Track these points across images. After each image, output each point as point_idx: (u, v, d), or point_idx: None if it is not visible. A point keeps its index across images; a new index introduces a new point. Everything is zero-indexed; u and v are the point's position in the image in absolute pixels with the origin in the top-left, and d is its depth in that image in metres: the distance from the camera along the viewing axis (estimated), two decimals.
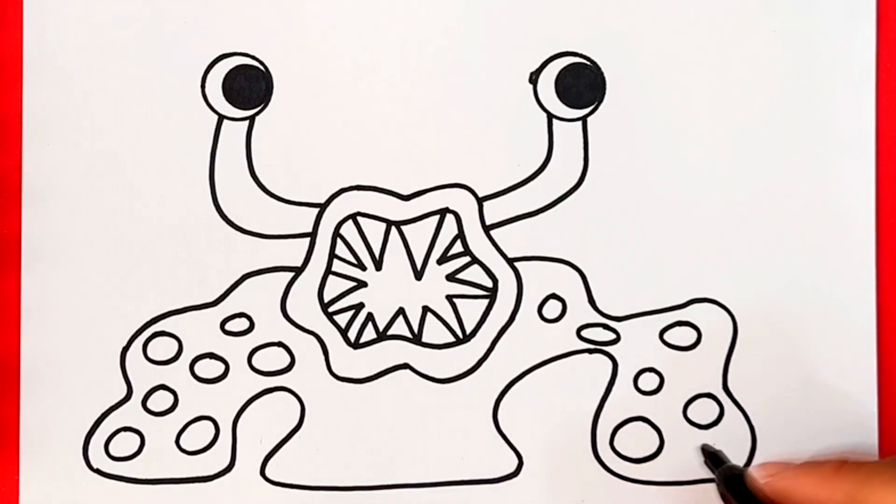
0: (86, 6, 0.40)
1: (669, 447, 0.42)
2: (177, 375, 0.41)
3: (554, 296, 0.42)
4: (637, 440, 0.42)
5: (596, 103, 0.42)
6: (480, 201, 0.41)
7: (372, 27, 0.41)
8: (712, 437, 0.42)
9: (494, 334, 0.42)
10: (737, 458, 0.42)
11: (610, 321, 0.42)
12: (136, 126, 0.40)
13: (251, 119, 0.41)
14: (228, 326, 0.41)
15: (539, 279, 0.42)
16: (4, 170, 0.40)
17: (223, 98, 0.41)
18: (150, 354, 0.41)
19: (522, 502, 0.42)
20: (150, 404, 0.41)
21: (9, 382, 0.40)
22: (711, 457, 0.41)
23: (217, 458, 0.41)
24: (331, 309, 0.41)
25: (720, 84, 0.42)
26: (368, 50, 0.41)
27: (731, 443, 0.42)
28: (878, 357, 0.43)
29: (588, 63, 0.42)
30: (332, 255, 0.41)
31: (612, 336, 0.42)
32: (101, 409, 0.41)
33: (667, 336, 0.42)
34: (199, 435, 0.41)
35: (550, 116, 0.41)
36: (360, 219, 0.41)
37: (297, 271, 0.41)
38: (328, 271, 0.41)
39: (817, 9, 0.42)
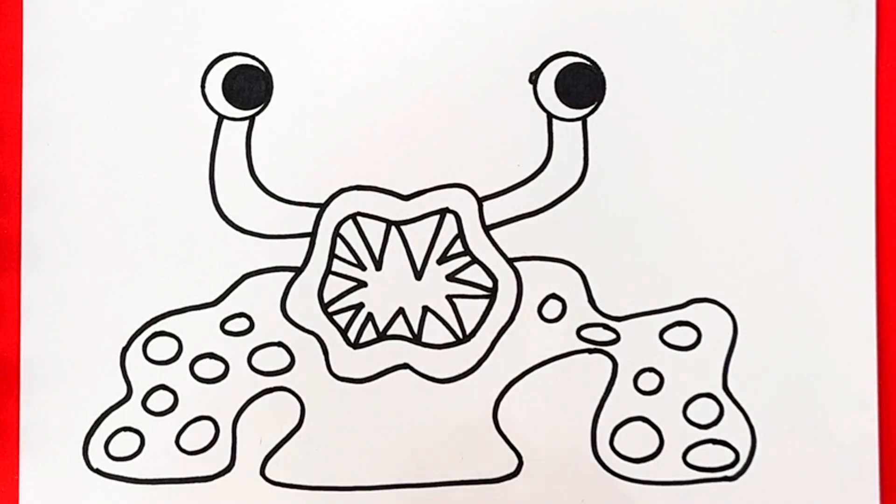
0: (86, 6, 0.40)
1: (669, 447, 0.42)
2: (177, 375, 0.41)
3: (554, 296, 0.42)
4: (637, 440, 0.42)
5: (596, 103, 0.42)
6: (480, 201, 0.41)
7: (372, 27, 0.41)
8: (712, 437, 0.42)
9: (494, 334, 0.42)
10: (738, 457, 0.42)
11: (610, 321, 0.42)
12: (136, 126, 0.40)
13: (251, 119, 0.41)
14: (228, 326, 0.41)
15: (539, 279, 0.42)
16: (4, 170, 0.40)
17: (223, 98, 0.41)
18: (150, 354, 0.41)
19: (522, 502, 0.42)
20: (150, 404, 0.41)
21: (9, 382, 0.40)
22: None
23: (217, 458, 0.41)
24: (331, 309, 0.41)
25: (720, 84, 0.42)
26: (368, 50, 0.41)
27: (732, 443, 0.42)
28: (878, 357, 0.43)
29: (588, 63, 0.42)
30: (332, 255, 0.41)
31: (612, 336, 0.42)
32: (101, 409, 0.41)
33: (667, 336, 0.42)
34: (199, 435, 0.41)
35: (550, 116, 0.41)
36: (360, 219, 0.41)
37: (297, 271, 0.41)
38: (328, 271, 0.41)
39: (817, 9, 0.42)
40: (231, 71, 0.41)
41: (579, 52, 0.42)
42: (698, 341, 0.42)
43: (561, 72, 0.41)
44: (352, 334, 0.41)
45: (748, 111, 0.42)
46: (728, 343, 0.42)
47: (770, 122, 0.42)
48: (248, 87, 0.41)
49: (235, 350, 0.41)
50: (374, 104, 0.41)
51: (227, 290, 0.41)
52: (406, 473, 0.41)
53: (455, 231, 0.41)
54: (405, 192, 0.41)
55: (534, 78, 0.41)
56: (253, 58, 0.41)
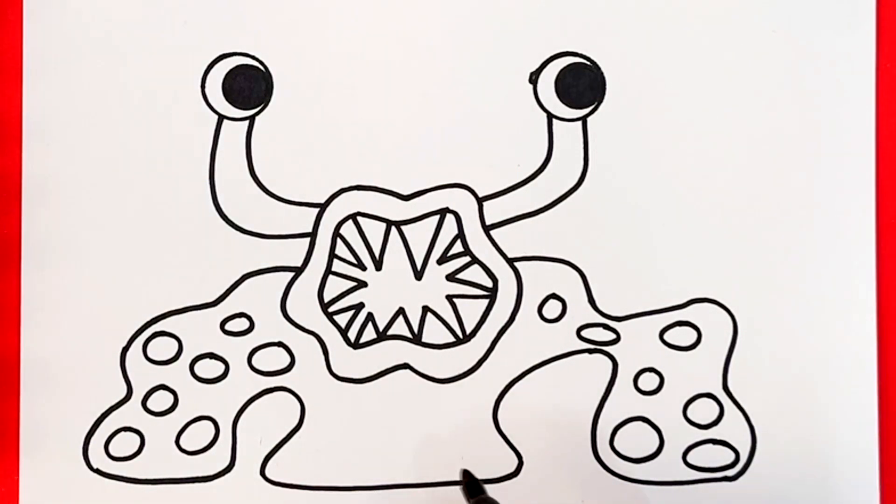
0: (85, 6, 0.40)
1: (669, 447, 0.42)
2: (177, 375, 0.41)
3: (554, 296, 0.42)
4: (637, 440, 0.42)
5: (596, 103, 0.42)
6: (480, 201, 0.41)
7: (372, 27, 0.41)
8: (712, 437, 0.42)
9: (494, 334, 0.42)
10: (738, 457, 0.42)
11: (610, 321, 0.42)
12: (136, 126, 0.40)
13: (251, 119, 0.41)
14: (228, 326, 0.41)
15: (539, 279, 0.42)
16: (4, 170, 0.40)
17: (223, 98, 0.41)
18: (150, 354, 0.41)
19: (522, 502, 0.42)
20: (150, 404, 0.41)
21: (9, 382, 0.40)
22: (470, 485, 0.39)
23: (217, 458, 0.41)
24: (331, 309, 0.41)
25: (720, 84, 0.42)
26: (368, 50, 0.41)
27: (732, 443, 0.42)
28: (878, 357, 0.43)
29: (588, 63, 0.42)
30: (332, 255, 0.41)
31: (612, 336, 0.42)
32: (101, 409, 0.41)
33: (667, 336, 0.42)
34: (199, 435, 0.41)
35: (550, 116, 0.41)
36: (360, 219, 0.41)
37: (297, 271, 0.41)
38: (328, 271, 0.41)
39: (817, 9, 0.42)
40: (231, 71, 0.41)
41: (579, 52, 0.42)
42: (698, 341, 0.42)
43: (561, 72, 0.41)
44: (352, 334, 0.41)
45: (748, 111, 0.42)
46: (728, 343, 0.42)
47: (770, 122, 0.42)
48: (248, 87, 0.41)
49: (235, 350, 0.41)
50: (374, 104, 0.41)
51: (227, 290, 0.41)
52: (406, 473, 0.41)
53: (455, 231, 0.41)
54: (405, 192, 0.41)
55: (534, 78, 0.41)
56: (253, 58, 0.41)
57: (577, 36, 0.41)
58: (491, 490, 0.41)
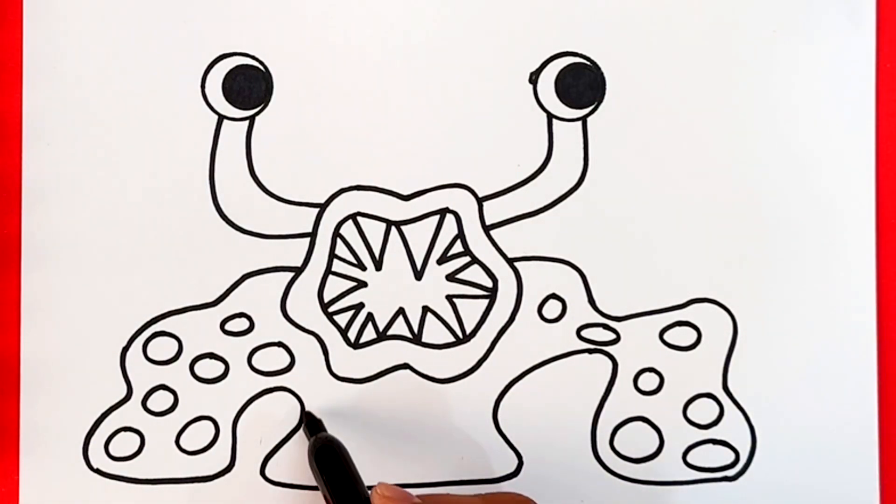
0: (86, 6, 0.40)
1: (669, 447, 0.42)
2: (177, 375, 0.41)
3: (554, 296, 0.42)
4: (637, 440, 0.42)
5: (596, 103, 0.42)
6: (480, 201, 0.41)
7: (372, 27, 0.41)
8: (712, 437, 0.42)
9: (494, 334, 0.42)
10: (738, 457, 0.42)
11: (610, 321, 0.42)
12: (136, 126, 0.40)
13: (251, 119, 0.41)
14: (228, 326, 0.41)
15: (539, 279, 0.42)
16: (4, 170, 0.40)
17: (223, 98, 0.41)
18: (150, 354, 0.41)
19: None
20: (150, 404, 0.41)
21: (9, 382, 0.40)
22: (311, 424, 0.40)
23: (217, 458, 0.41)
24: (331, 309, 0.41)
25: (720, 84, 0.42)
26: (368, 50, 0.41)
27: (731, 443, 0.42)
28: (878, 357, 0.43)
29: (588, 63, 0.42)
30: (332, 255, 0.41)
31: (612, 336, 0.42)
32: (101, 409, 0.41)
33: (667, 336, 0.42)
34: (199, 435, 0.41)
35: (550, 116, 0.41)
36: (360, 219, 0.41)
37: (297, 271, 0.41)
38: (328, 271, 0.41)
39: (817, 9, 0.42)
40: (231, 71, 0.41)
41: (579, 52, 0.42)
42: (698, 341, 0.42)
43: (561, 72, 0.41)
44: (352, 334, 0.41)
45: (748, 111, 0.42)
46: (728, 343, 0.42)
47: (770, 122, 0.42)
48: (248, 87, 0.41)
49: (235, 350, 0.41)
50: (374, 104, 0.41)
51: (227, 290, 0.41)
52: (406, 473, 0.41)
53: (455, 231, 0.41)
54: (405, 192, 0.41)
55: (534, 78, 0.41)
56: (253, 58, 0.41)
57: (577, 36, 0.41)
58: (491, 490, 0.41)
